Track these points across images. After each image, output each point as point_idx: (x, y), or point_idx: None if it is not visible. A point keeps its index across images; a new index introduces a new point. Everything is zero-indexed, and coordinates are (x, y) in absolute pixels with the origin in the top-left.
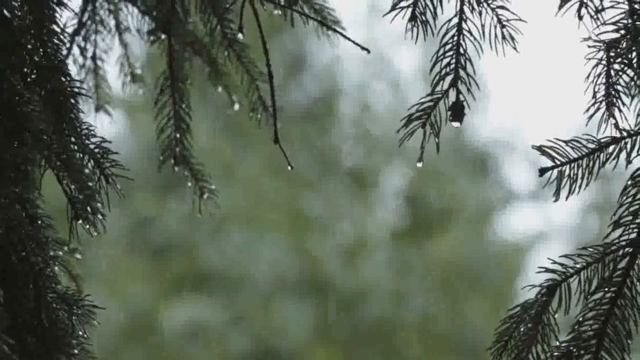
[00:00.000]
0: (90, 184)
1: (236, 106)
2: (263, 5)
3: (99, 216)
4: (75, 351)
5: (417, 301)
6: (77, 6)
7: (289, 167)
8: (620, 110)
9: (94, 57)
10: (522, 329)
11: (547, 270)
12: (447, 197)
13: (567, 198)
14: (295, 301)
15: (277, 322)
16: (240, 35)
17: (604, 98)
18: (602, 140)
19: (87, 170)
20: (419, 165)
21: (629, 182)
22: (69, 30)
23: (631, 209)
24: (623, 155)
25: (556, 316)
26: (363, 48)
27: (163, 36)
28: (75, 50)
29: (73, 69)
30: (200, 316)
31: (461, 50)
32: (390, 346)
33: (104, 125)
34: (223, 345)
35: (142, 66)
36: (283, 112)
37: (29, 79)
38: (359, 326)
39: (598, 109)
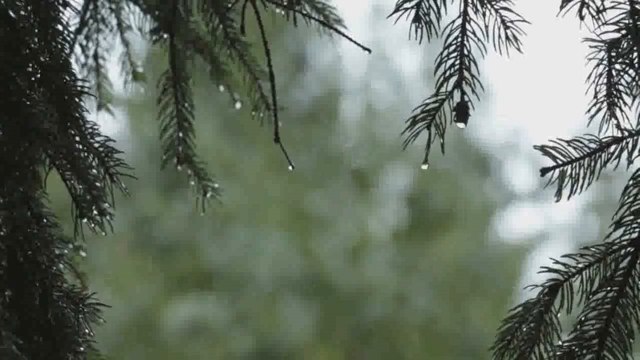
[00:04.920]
0: (97, 184)
1: (237, 105)
2: (265, 5)
3: (107, 217)
4: (82, 349)
5: (418, 301)
6: (79, 5)
7: (290, 167)
8: (621, 110)
9: (95, 56)
10: (524, 329)
11: (550, 270)
12: (449, 197)
13: (569, 198)
14: (297, 300)
15: (279, 321)
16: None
17: (605, 98)
18: (604, 140)
19: (94, 170)
20: (425, 167)
21: (630, 182)
22: (71, 28)
23: (632, 208)
24: (624, 155)
25: (558, 316)
26: (364, 48)
27: (165, 35)
28: (77, 48)
29: (75, 68)
30: (202, 314)
31: (465, 52)
32: (392, 346)
33: (106, 124)
34: (225, 343)
35: (144, 65)
36: (285, 112)
37: (33, 79)
38: (360, 326)
39: (599, 109)
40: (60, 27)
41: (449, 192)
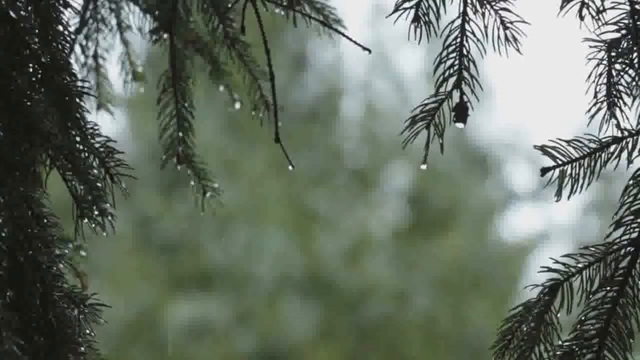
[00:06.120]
0: (98, 184)
1: (237, 105)
2: (265, 5)
3: (108, 217)
4: (83, 349)
5: (419, 300)
6: (79, 5)
7: (290, 167)
8: (621, 110)
9: (95, 56)
10: (524, 328)
11: (550, 269)
12: (449, 197)
13: (569, 198)
14: (298, 299)
15: (280, 321)
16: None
17: (605, 98)
18: (604, 140)
19: (95, 171)
20: (424, 167)
21: (631, 182)
22: (71, 28)
23: (632, 208)
24: (624, 154)
25: (558, 315)
26: (364, 48)
27: (165, 35)
28: (77, 48)
29: (75, 68)
30: (204, 314)
31: (464, 52)
32: (393, 345)
33: (105, 124)
34: (227, 342)
35: (144, 64)
36: (286, 112)
37: (34, 79)
38: (361, 325)
39: (599, 109)
40: (60, 28)
41: (449, 192)
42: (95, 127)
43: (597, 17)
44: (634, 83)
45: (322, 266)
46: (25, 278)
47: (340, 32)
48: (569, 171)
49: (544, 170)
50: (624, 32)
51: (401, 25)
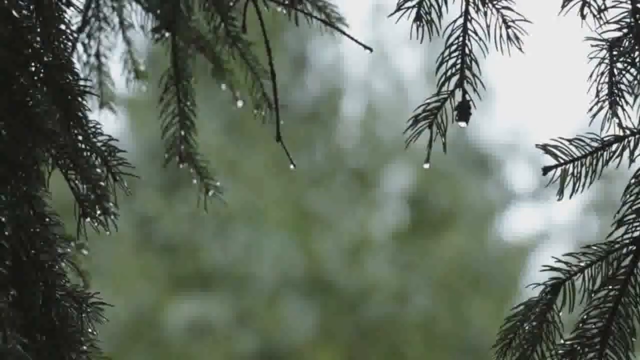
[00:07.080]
0: (101, 183)
1: (239, 103)
2: (266, 4)
3: (111, 216)
4: (85, 348)
5: (419, 300)
6: (82, 3)
7: (291, 166)
8: (623, 109)
9: (97, 54)
10: (526, 327)
11: (552, 268)
12: (449, 197)
13: (570, 197)
14: (299, 300)
15: (280, 321)
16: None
17: (607, 97)
18: (606, 139)
19: (98, 170)
20: (426, 166)
21: (633, 181)
22: (73, 27)
23: (634, 207)
24: (626, 153)
25: (560, 314)
26: (365, 47)
27: (167, 34)
28: (79, 47)
29: (77, 66)
30: (204, 314)
31: (467, 51)
32: (393, 345)
33: (107, 123)
34: (227, 342)
35: (146, 63)
36: (286, 111)
37: (36, 78)
38: (362, 325)
39: (601, 107)
40: (63, 27)
41: (449, 192)
42: (98, 126)
43: (598, 16)
44: (635, 82)
45: (322, 266)
46: (28, 277)
47: (341, 31)
48: (570, 170)
49: (546, 169)
50: (625, 30)
51: (402, 25)
